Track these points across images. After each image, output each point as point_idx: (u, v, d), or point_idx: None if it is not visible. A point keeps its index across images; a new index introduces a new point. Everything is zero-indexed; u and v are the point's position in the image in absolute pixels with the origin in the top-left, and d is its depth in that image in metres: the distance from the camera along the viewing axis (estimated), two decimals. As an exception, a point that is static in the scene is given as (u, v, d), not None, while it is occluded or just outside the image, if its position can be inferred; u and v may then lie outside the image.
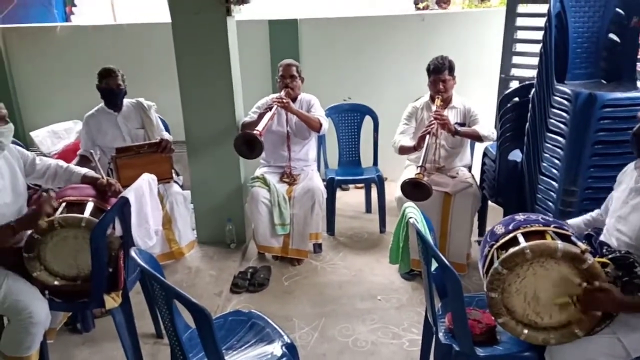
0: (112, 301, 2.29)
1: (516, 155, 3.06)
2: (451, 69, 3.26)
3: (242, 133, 3.19)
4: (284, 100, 3.33)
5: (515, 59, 3.96)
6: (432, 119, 3.10)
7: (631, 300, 1.69)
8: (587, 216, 2.19)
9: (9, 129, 2.21)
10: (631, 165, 1.98)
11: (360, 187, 4.60)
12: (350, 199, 4.58)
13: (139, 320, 2.54)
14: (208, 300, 2.99)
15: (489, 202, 3.44)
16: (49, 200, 2.13)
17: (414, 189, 2.87)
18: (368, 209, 4.30)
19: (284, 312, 2.95)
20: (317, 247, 3.64)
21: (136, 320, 2.47)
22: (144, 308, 2.70)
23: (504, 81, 4.02)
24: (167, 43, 3.37)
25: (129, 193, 2.29)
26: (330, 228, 3.90)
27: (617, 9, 2.61)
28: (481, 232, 3.50)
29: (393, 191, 3.43)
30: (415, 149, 3.19)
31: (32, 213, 2.14)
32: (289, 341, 2.00)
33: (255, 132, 3.07)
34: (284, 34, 4.53)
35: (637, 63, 2.67)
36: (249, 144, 3.09)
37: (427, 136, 3.05)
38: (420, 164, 2.93)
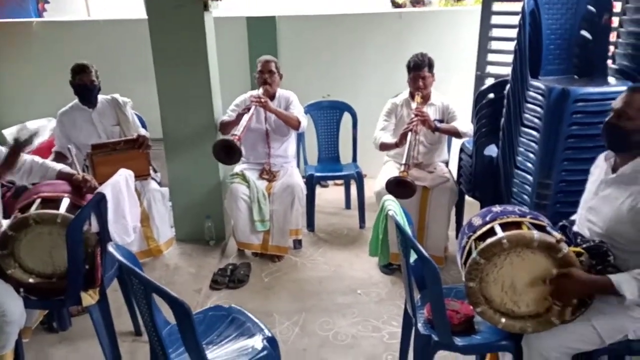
0: (89, 298, 2.26)
1: (492, 151, 3.11)
2: (431, 66, 3.30)
3: (221, 140, 3.17)
4: (262, 100, 3.33)
5: (491, 57, 4.01)
6: (412, 116, 3.13)
7: (597, 278, 1.74)
8: None
9: None
10: (601, 156, 2.03)
11: (340, 184, 4.62)
12: (330, 195, 4.59)
13: (117, 318, 2.52)
14: (187, 297, 2.96)
15: (466, 197, 3.49)
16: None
17: (399, 187, 2.90)
18: (347, 206, 4.32)
19: (265, 307, 2.94)
20: (297, 244, 3.64)
21: (114, 318, 2.45)
22: (122, 305, 2.67)
23: (479, 78, 4.07)
24: (144, 39, 3.33)
25: (106, 188, 2.26)
26: (310, 224, 3.90)
27: (589, 7, 2.66)
28: (458, 226, 3.54)
29: (372, 187, 3.45)
30: (397, 145, 3.22)
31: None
32: (269, 335, 2.00)
33: (233, 137, 3.07)
34: (262, 31, 4.52)
35: (608, 59, 2.74)
36: (227, 150, 3.09)
37: (409, 134, 3.08)
38: (403, 162, 2.96)
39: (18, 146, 2.23)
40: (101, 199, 2.22)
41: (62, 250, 2.16)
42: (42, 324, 2.71)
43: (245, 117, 3.24)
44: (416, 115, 3.11)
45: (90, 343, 2.56)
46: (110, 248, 1.78)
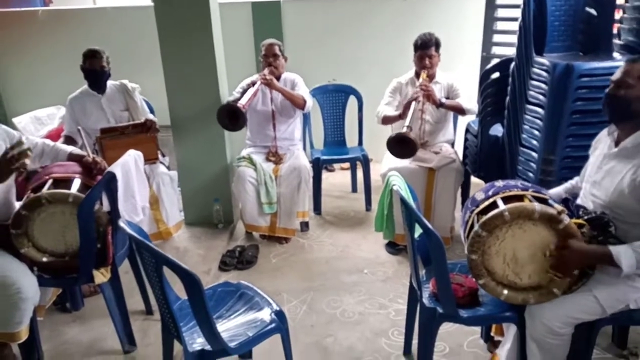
0: (101, 276, 2.31)
1: (497, 130, 3.12)
2: (437, 45, 3.31)
3: (225, 104, 3.21)
4: (267, 77, 3.35)
5: (496, 37, 4.02)
6: (418, 89, 3.15)
7: (596, 248, 1.77)
8: (567, 184, 2.25)
9: None
10: (604, 131, 2.04)
11: (346, 168, 4.65)
12: (336, 179, 4.63)
13: (129, 298, 2.57)
14: (197, 277, 3.01)
15: (472, 178, 3.50)
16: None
17: (400, 145, 2.93)
18: (354, 189, 4.34)
19: (273, 287, 2.99)
20: (304, 226, 3.68)
21: (126, 298, 2.50)
22: (134, 286, 2.73)
23: (485, 59, 4.07)
24: (151, 26, 3.36)
25: (116, 168, 2.30)
26: (317, 207, 3.94)
27: (594, -17, 2.66)
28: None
29: (378, 170, 3.47)
30: (400, 117, 3.22)
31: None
32: (277, 308, 2.05)
33: (238, 104, 3.11)
34: (267, 16, 4.53)
35: (613, 35, 2.73)
36: (231, 116, 3.13)
37: (413, 102, 3.09)
38: (406, 124, 2.98)
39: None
40: (111, 179, 2.26)
41: (74, 230, 2.21)
42: (55, 304, 2.77)
43: (251, 90, 3.28)
44: (421, 89, 3.11)
45: (103, 322, 2.63)
46: (122, 223, 1.83)
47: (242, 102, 3.14)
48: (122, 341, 2.46)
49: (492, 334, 2.38)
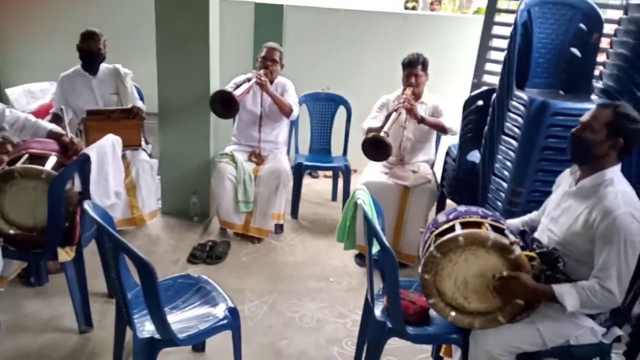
0: (65, 255, 2.34)
1: (475, 156, 3.18)
2: (424, 65, 3.37)
3: (220, 90, 3.24)
4: (262, 79, 3.40)
5: (489, 66, 4.07)
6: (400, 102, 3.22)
7: (541, 287, 1.82)
8: (526, 217, 2.31)
9: None
10: (567, 170, 2.10)
11: (330, 177, 4.69)
12: (319, 186, 4.67)
13: (93, 280, 2.60)
14: (163, 267, 3.03)
15: (447, 200, 3.56)
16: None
17: (374, 147, 3.00)
18: (334, 197, 4.39)
19: (238, 285, 3.02)
20: (279, 228, 3.72)
21: (90, 280, 2.54)
22: (98, 268, 2.72)
23: (475, 85, 4.13)
24: (149, 13, 3.41)
25: (91, 151, 2.34)
26: (294, 212, 3.98)
27: (581, 25, 2.72)
28: (437, 227, 3.61)
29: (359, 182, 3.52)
30: (382, 128, 3.27)
31: None
32: (232, 306, 2.09)
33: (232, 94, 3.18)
34: (269, 18, 4.59)
35: (593, 78, 2.80)
36: (224, 104, 3.17)
37: (394, 113, 3.16)
38: (385, 130, 3.04)
39: None
40: (85, 160, 2.30)
41: (44, 206, 2.25)
42: (20, 277, 2.79)
43: (245, 85, 3.33)
44: (404, 101, 3.18)
45: (63, 300, 2.63)
46: (86, 205, 1.86)
47: (236, 94, 3.19)
48: (79, 321, 2.49)
49: (441, 354, 2.43)
